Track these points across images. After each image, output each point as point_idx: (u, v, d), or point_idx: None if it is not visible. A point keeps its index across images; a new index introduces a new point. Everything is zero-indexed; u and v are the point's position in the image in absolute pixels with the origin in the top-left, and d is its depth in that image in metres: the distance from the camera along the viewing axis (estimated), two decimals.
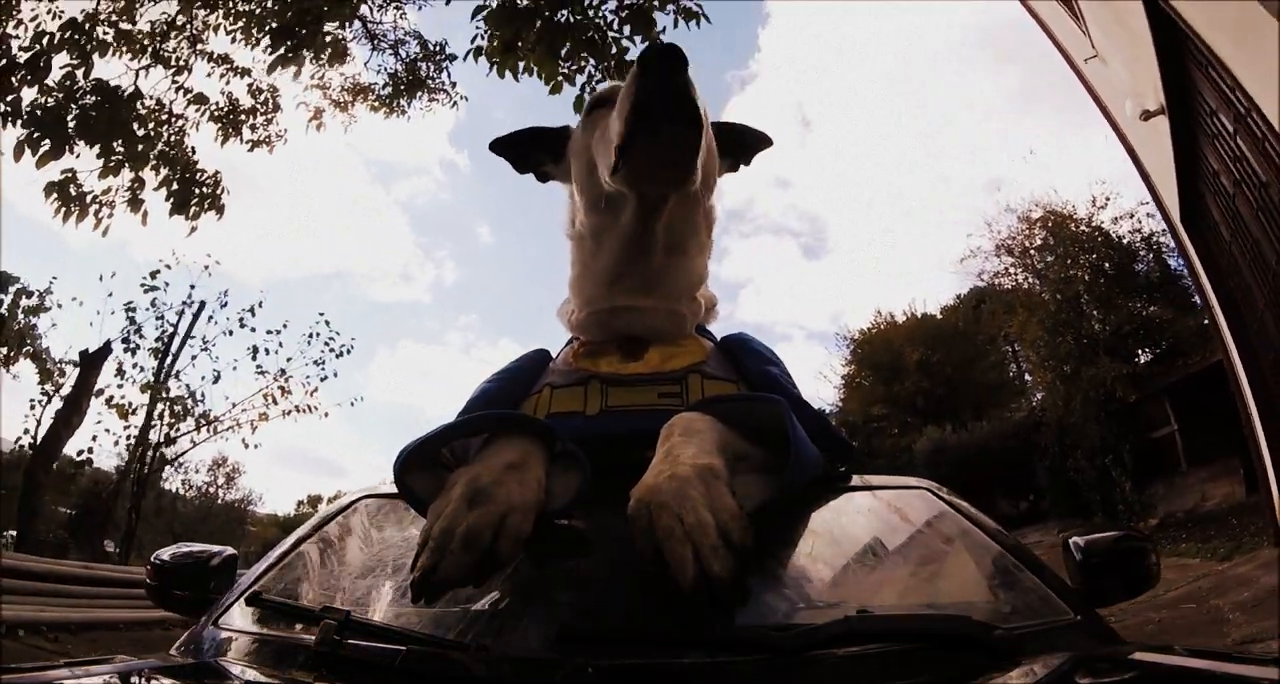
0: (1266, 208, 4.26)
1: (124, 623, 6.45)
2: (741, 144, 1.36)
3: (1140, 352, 12.18)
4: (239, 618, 0.96)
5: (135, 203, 4.46)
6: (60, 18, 4.19)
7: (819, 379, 20.82)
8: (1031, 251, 13.87)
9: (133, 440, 11.07)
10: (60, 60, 4.12)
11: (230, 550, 1.21)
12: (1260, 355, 5.75)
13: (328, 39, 4.74)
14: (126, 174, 4.37)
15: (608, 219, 1.14)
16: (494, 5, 3.71)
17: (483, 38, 3.79)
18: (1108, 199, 12.93)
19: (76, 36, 4.18)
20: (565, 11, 3.75)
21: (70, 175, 4.16)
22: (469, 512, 0.78)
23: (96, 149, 4.16)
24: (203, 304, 11.90)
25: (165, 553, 1.20)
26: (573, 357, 1.16)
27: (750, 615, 0.81)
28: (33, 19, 4.19)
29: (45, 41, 4.09)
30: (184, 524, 20.84)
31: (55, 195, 4.15)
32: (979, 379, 18.32)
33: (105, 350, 10.29)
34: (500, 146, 1.37)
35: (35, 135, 3.92)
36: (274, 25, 4.50)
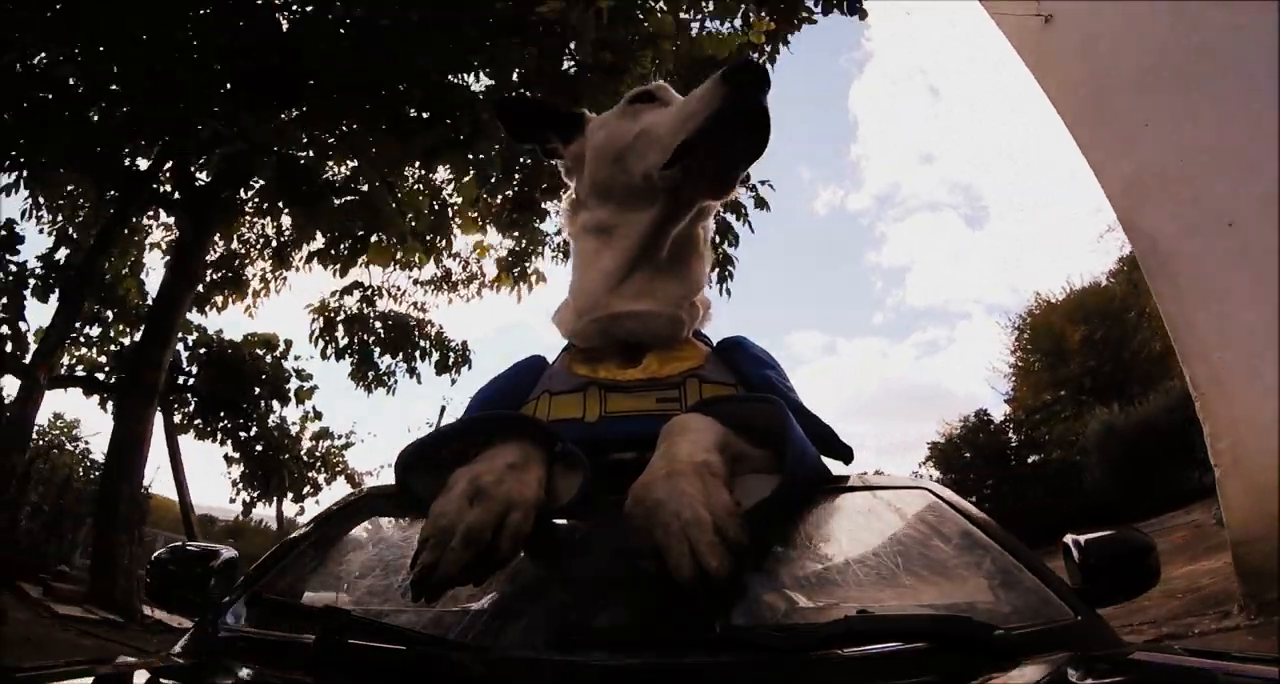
0: None
1: None
2: None
3: None
4: (239, 618, 0.95)
5: (411, 370, 8.15)
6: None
7: (991, 371, 19.19)
8: None
9: None
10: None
11: (231, 551, 1.19)
12: None
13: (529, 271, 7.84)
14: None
15: (621, 214, 1.14)
16: None
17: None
18: None
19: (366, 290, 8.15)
20: None
21: (369, 365, 7.91)
22: (470, 509, 0.78)
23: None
24: None
25: (166, 553, 1.18)
26: (570, 363, 1.15)
27: (750, 615, 0.81)
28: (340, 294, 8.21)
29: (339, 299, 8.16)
30: None
31: (359, 379, 8.03)
32: (1143, 350, 16.14)
33: None
34: (506, 109, 1.40)
35: (356, 358, 7.99)
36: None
